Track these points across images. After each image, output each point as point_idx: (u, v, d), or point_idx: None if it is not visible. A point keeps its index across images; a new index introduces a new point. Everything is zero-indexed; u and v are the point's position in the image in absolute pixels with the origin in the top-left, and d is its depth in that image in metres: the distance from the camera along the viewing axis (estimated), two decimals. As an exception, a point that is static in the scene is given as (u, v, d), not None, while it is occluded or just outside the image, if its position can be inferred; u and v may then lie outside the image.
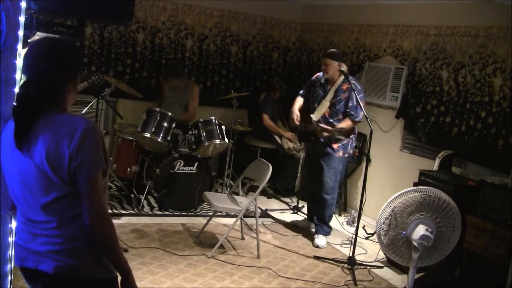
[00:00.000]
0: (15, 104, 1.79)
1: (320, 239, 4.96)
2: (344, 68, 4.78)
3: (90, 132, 1.74)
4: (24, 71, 1.81)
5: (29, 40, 3.88)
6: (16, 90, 2.41)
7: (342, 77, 4.72)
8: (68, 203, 1.79)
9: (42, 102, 1.77)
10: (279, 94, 6.42)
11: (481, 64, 4.58)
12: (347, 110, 4.73)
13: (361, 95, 4.65)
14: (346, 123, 4.73)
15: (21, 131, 1.75)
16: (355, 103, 4.65)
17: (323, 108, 4.84)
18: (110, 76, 5.56)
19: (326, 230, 5.00)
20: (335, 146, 4.80)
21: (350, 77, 4.69)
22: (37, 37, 3.96)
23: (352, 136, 4.83)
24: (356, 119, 4.72)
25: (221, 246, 4.51)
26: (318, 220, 5.06)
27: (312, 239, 5.01)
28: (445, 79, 4.91)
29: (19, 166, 1.79)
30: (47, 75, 1.78)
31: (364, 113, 4.53)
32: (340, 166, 4.90)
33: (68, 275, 1.81)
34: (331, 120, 4.79)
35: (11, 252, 2.36)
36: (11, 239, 2.36)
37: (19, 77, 2.44)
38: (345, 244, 5.01)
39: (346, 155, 4.89)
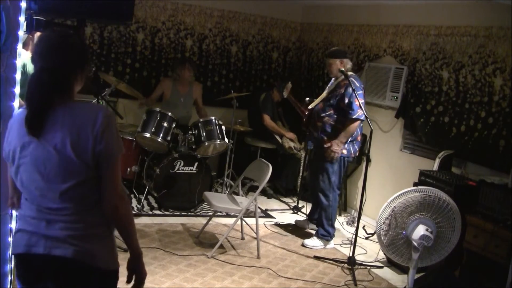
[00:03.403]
0: (28, 92, 1.81)
1: (310, 239, 4.93)
2: (348, 64, 4.78)
3: (111, 117, 1.83)
4: (36, 60, 1.85)
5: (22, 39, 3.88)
6: (17, 90, 2.41)
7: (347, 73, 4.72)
8: (87, 190, 1.82)
9: (54, 90, 1.82)
10: (278, 94, 6.41)
11: (480, 64, 4.58)
12: (344, 108, 4.69)
13: (360, 92, 4.55)
14: (345, 130, 4.66)
15: (36, 118, 1.79)
16: (351, 100, 4.62)
17: (320, 98, 4.91)
18: (111, 76, 5.57)
19: (321, 232, 4.91)
20: (325, 141, 4.78)
21: (352, 74, 4.68)
22: (27, 36, 3.96)
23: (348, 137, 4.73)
24: (353, 116, 4.62)
25: (221, 246, 4.51)
26: (316, 221, 5.06)
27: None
28: (445, 79, 4.91)
29: (34, 154, 1.80)
30: (59, 64, 1.83)
31: (363, 111, 4.53)
32: (333, 167, 4.76)
33: (85, 260, 1.82)
34: (322, 114, 4.81)
35: (10, 251, 2.35)
36: (11, 239, 2.35)
37: (19, 76, 2.44)
38: (345, 244, 5.01)
39: (340, 155, 4.74)
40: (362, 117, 4.61)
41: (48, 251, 1.80)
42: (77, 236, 1.82)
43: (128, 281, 1.94)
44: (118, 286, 1.98)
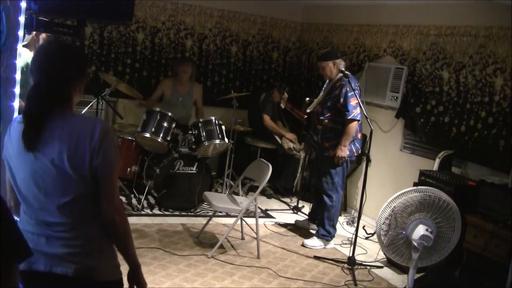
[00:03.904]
0: (26, 105, 1.80)
1: (310, 239, 4.94)
2: (342, 64, 4.78)
3: (108, 131, 1.81)
4: (34, 73, 1.83)
5: (24, 41, 3.89)
6: (17, 90, 2.41)
7: (340, 74, 4.72)
8: (85, 204, 1.81)
9: (53, 102, 1.80)
10: (278, 95, 6.40)
11: (481, 65, 4.57)
12: (341, 109, 4.69)
13: (355, 92, 4.53)
14: (345, 132, 4.67)
15: (33, 132, 1.77)
16: (346, 100, 4.63)
17: (316, 101, 4.93)
18: (111, 76, 5.57)
19: (321, 232, 4.92)
20: (326, 144, 4.80)
21: (348, 74, 4.68)
22: (31, 36, 3.97)
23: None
24: (349, 117, 4.62)
25: (221, 246, 4.51)
26: (318, 221, 5.06)
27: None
28: (446, 79, 4.91)
29: (32, 168, 1.79)
30: (57, 76, 1.81)
31: (358, 111, 4.55)
32: (335, 169, 4.78)
33: (87, 277, 1.82)
34: (321, 117, 4.83)
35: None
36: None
37: (20, 77, 2.44)
38: (345, 244, 5.01)
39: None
40: (358, 117, 4.63)
41: (49, 268, 1.80)
42: (77, 253, 1.81)
43: None
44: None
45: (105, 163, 1.78)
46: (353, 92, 4.56)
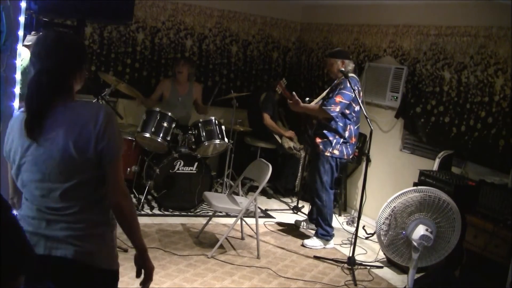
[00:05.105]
0: (28, 94, 1.82)
1: (309, 239, 4.95)
2: (350, 66, 4.79)
3: (112, 115, 1.84)
4: (34, 62, 1.85)
5: (28, 41, 3.88)
6: (17, 90, 2.41)
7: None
8: (90, 188, 1.83)
9: (54, 91, 1.82)
10: (278, 95, 6.40)
11: (483, 65, 4.57)
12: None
13: (347, 92, 4.55)
14: (313, 105, 4.80)
15: (35, 120, 1.79)
16: (334, 96, 4.64)
17: (320, 97, 4.97)
18: (111, 76, 5.57)
19: (320, 232, 4.92)
20: (317, 140, 4.80)
21: (352, 75, 4.68)
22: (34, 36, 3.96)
23: (337, 137, 4.72)
24: (324, 107, 4.63)
25: (221, 246, 4.51)
26: (315, 221, 5.07)
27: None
28: (447, 79, 4.91)
29: (36, 154, 1.80)
30: (57, 65, 1.83)
31: (338, 109, 4.59)
32: (324, 167, 4.76)
33: (85, 261, 1.83)
34: None
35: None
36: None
37: (20, 75, 2.44)
38: (345, 244, 5.01)
39: (329, 155, 4.73)
40: (333, 114, 4.61)
41: (48, 251, 1.81)
42: (78, 236, 1.82)
43: (137, 276, 1.97)
44: (118, 286, 1.99)
45: (110, 146, 1.81)
46: (346, 92, 4.56)
